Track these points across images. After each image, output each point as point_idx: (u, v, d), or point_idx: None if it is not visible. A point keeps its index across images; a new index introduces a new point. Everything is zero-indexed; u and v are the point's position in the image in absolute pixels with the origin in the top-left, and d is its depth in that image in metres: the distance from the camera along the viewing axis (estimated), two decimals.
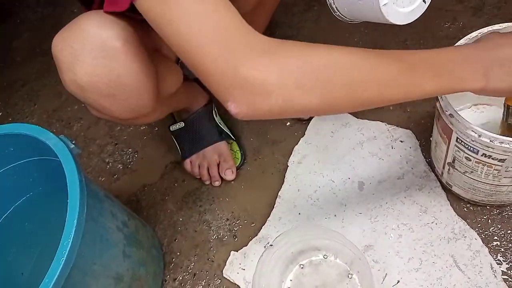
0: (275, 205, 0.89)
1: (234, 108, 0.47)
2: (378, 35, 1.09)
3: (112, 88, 0.59)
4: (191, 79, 0.99)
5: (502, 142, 0.62)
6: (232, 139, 0.99)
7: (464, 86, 0.54)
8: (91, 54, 0.56)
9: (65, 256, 0.56)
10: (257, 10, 0.85)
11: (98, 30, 0.57)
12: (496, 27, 0.72)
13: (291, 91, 0.46)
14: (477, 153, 0.66)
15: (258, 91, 0.46)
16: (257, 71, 0.46)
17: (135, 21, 0.60)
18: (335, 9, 0.60)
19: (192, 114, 0.96)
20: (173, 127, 0.98)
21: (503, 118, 0.73)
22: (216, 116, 1.00)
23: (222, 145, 0.96)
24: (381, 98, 0.51)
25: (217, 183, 0.95)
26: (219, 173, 0.95)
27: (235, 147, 0.99)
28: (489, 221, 0.79)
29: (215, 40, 0.47)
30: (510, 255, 0.75)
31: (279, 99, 0.46)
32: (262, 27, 0.96)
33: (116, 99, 0.61)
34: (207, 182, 0.96)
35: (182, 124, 0.97)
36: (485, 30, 0.72)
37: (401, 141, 0.91)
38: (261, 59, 0.46)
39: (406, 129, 0.92)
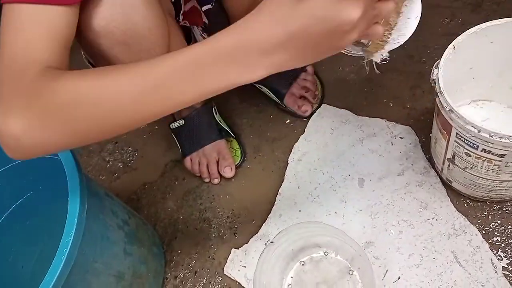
0: (276, 203, 0.89)
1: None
2: None
3: (127, 36, 0.59)
4: None
5: (502, 137, 0.62)
6: (232, 137, 0.99)
7: (238, 81, 0.46)
8: (110, 0, 0.57)
9: (66, 254, 0.56)
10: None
11: None
12: (495, 22, 0.72)
13: (37, 134, 0.47)
14: (477, 149, 0.67)
15: (6, 141, 0.47)
16: (2, 124, 0.46)
17: None
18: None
19: (192, 112, 0.96)
20: (173, 125, 0.98)
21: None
22: (216, 114, 1.00)
23: (221, 143, 0.96)
24: (134, 121, 0.48)
25: (216, 181, 0.95)
26: (218, 171, 0.95)
27: (235, 145, 0.99)
28: (489, 216, 0.79)
29: None
30: (511, 251, 0.75)
31: (29, 143, 0.47)
32: None
33: (129, 48, 0.61)
34: (207, 180, 0.96)
35: (182, 122, 0.97)
36: (483, 26, 0.72)
37: (401, 137, 0.91)
38: (9, 111, 0.46)
39: (406, 125, 0.92)
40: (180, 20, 0.84)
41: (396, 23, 0.56)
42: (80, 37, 0.59)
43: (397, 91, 0.99)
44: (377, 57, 0.57)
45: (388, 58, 0.57)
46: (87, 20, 0.57)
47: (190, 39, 0.89)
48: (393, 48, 0.57)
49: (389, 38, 0.56)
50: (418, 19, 0.59)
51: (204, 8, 0.86)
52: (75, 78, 0.47)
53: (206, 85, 0.46)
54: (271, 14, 0.42)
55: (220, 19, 0.87)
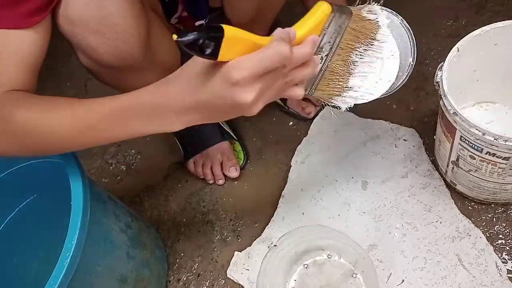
0: (279, 205, 0.89)
1: None
2: None
3: (102, 26, 0.60)
4: None
5: (507, 140, 0.62)
6: (235, 139, 0.99)
7: (157, 130, 0.53)
8: None
9: (70, 257, 0.56)
10: (254, 25, 0.86)
11: None
12: (499, 24, 0.71)
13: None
14: (481, 152, 0.66)
15: None
16: None
17: None
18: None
19: None
20: None
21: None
22: None
23: (224, 145, 0.96)
24: (74, 148, 0.59)
25: (220, 182, 0.95)
26: (222, 172, 0.95)
27: (238, 147, 0.98)
28: (494, 219, 0.79)
29: None
30: None
31: None
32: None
33: (105, 37, 0.61)
34: (211, 181, 0.96)
35: None
36: (487, 28, 0.71)
37: (404, 139, 0.91)
38: None
39: (410, 127, 0.92)
40: (173, 23, 0.84)
41: (347, 81, 0.59)
42: (58, 28, 0.61)
43: (400, 93, 0.97)
44: (342, 107, 0.59)
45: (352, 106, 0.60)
46: (63, 11, 0.58)
47: None
48: (358, 103, 0.60)
49: (340, 93, 0.59)
50: (391, 83, 0.61)
51: (198, 23, 0.86)
52: (27, 109, 0.54)
53: (132, 130, 0.53)
54: (185, 84, 0.48)
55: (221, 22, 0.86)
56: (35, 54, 0.58)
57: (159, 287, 0.84)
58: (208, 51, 0.41)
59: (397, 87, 0.61)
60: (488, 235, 0.77)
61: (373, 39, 0.59)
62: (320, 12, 0.51)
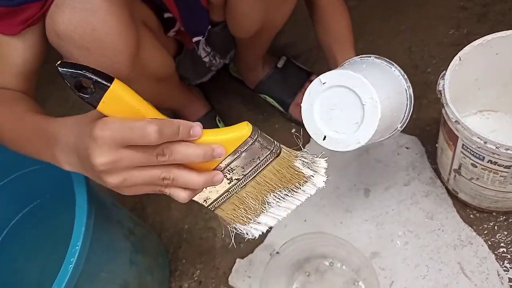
0: None
1: None
2: (383, 43, 1.09)
3: (85, 41, 0.60)
4: (192, 85, 1.00)
5: (508, 149, 0.62)
6: None
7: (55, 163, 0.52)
8: (70, 4, 0.58)
9: (73, 263, 0.56)
10: (256, 39, 0.87)
11: None
12: (500, 34, 0.72)
13: None
14: (483, 160, 0.66)
15: None
16: None
17: None
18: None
19: (194, 121, 0.97)
20: None
21: None
22: (220, 123, 1.00)
23: None
24: (16, 149, 0.58)
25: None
26: None
27: None
28: (496, 227, 0.79)
29: None
30: None
31: None
32: (261, 50, 0.97)
33: (89, 52, 0.61)
34: None
35: None
36: (489, 37, 0.72)
37: (406, 147, 0.91)
38: None
39: (412, 135, 0.92)
40: (170, 35, 0.84)
41: (257, 216, 0.53)
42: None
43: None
44: (244, 234, 0.54)
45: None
46: (49, 23, 0.59)
47: (181, 51, 0.89)
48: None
49: (246, 223, 0.53)
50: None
51: (195, 39, 0.86)
52: None
53: (38, 152, 0.53)
54: (75, 125, 0.47)
55: (225, 32, 0.87)
56: (24, 61, 0.61)
57: None
58: (86, 94, 0.40)
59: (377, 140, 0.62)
60: (489, 243, 0.77)
61: (298, 188, 0.53)
62: (238, 131, 0.46)
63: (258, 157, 0.48)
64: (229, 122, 1.04)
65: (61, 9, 0.58)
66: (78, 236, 0.59)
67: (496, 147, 0.63)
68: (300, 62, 1.07)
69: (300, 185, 0.53)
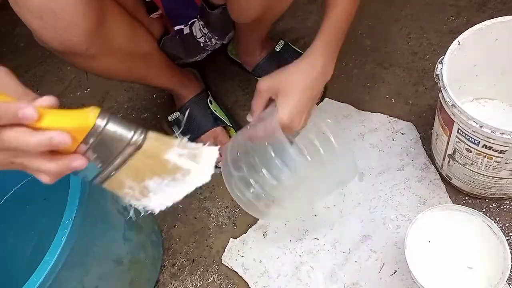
0: None
1: None
2: (383, 29, 1.08)
3: (40, 11, 0.60)
4: (185, 65, 1.00)
5: (503, 133, 0.62)
6: (230, 125, 1.00)
7: None
8: None
9: (66, 235, 0.56)
10: (256, 25, 0.87)
11: None
12: (500, 19, 0.72)
13: None
14: (478, 144, 0.67)
15: None
16: None
17: None
18: None
19: (186, 102, 0.97)
20: (170, 117, 1.00)
21: None
22: (211, 104, 1.00)
23: (218, 130, 0.97)
24: None
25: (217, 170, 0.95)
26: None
27: (234, 133, 0.99)
28: (487, 214, 0.79)
29: None
30: (509, 248, 0.75)
31: None
32: (260, 35, 0.98)
33: (43, 22, 0.61)
34: None
35: (178, 114, 0.99)
36: (489, 22, 0.72)
37: (402, 133, 0.91)
38: None
39: (408, 121, 0.93)
40: (153, 17, 0.84)
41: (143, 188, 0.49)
42: None
43: (399, 87, 0.99)
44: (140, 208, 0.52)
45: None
46: None
47: (169, 31, 0.89)
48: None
49: (139, 197, 0.51)
50: None
51: (176, 27, 0.86)
52: None
53: None
54: None
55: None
56: None
57: (154, 271, 0.84)
58: None
59: None
60: None
61: (178, 180, 0.49)
62: (82, 118, 0.42)
63: (116, 147, 0.44)
64: (226, 103, 1.04)
65: None
66: (72, 208, 0.59)
67: (492, 131, 0.63)
68: (298, 47, 1.06)
69: (180, 176, 0.48)
